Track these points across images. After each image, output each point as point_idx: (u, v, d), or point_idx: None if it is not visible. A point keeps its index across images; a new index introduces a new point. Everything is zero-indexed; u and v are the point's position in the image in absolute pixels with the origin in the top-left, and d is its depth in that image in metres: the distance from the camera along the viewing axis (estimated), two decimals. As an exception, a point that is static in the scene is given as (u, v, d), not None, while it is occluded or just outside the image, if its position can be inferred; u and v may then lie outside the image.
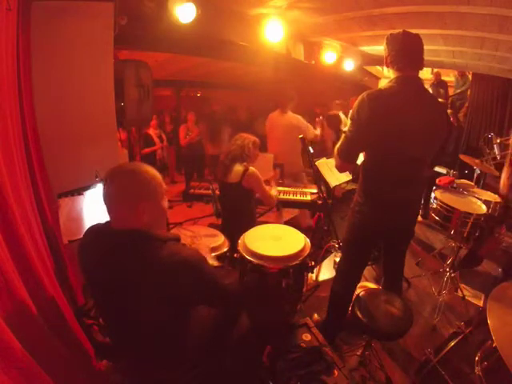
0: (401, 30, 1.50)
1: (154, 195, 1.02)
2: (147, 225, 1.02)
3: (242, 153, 2.18)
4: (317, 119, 3.74)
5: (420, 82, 1.53)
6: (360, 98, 1.49)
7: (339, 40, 3.63)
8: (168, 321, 1.03)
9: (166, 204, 1.08)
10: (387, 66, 1.56)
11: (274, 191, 2.44)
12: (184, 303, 1.04)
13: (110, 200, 1.00)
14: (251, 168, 2.15)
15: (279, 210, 3.54)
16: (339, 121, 3.97)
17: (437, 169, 3.37)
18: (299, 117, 3.49)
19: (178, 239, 1.09)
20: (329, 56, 3.76)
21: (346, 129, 1.59)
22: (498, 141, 3.11)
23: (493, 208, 2.37)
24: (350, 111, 1.55)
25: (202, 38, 2.63)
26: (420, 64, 1.51)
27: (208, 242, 1.73)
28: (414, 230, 1.85)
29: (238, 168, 2.14)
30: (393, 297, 1.63)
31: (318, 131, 3.65)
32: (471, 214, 2.22)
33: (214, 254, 1.60)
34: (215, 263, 1.32)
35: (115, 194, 0.99)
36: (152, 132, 4.42)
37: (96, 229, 1.09)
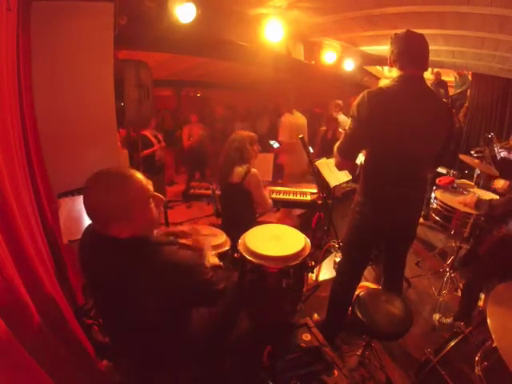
0: (405, 30, 1.50)
1: (140, 201, 0.97)
2: (141, 230, 1.00)
3: (242, 155, 2.15)
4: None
5: (423, 81, 1.53)
6: (360, 95, 1.49)
7: (339, 40, 3.63)
8: (166, 322, 1.03)
9: (153, 205, 1.02)
10: (390, 66, 1.57)
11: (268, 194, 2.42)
12: (180, 305, 1.05)
13: (95, 218, 0.97)
14: (253, 170, 2.15)
15: (279, 210, 3.55)
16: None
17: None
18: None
19: (174, 243, 1.09)
20: (329, 56, 3.76)
21: (346, 127, 1.59)
22: (499, 146, 3.11)
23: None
24: (351, 109, 1.55)
25: (202, 37, 2.63)
26: (423, 63, 1.50)
27: (209, 241, 1.72)
28: (415, 231, 1.84)
29: (240, 169, 2.13)
30: (393, 297, 1.63)
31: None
32: (471, 214, 2.22)
33: (214, 252, 1.58)
34: (216, 261, 1.29)
35: (99, 213, 0.95)
36: (148, 133, 4.42)
37: (94, 229, 1.09)
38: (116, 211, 0.94)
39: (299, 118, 3.71)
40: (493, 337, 1.10)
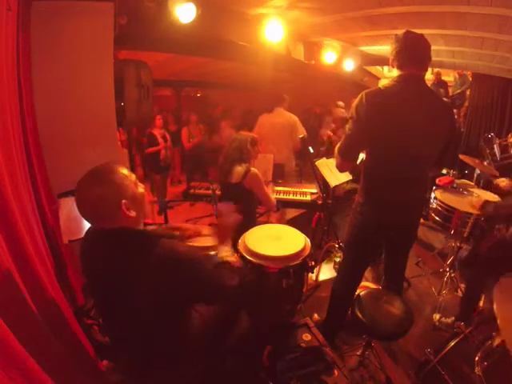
0: (405, 30, 1.50)
1: (128, 189, 1.01)
2: (135, 218, 1.03)
3: (241, 154, 2.15)
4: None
5: (422, 80, 1.53)
6: (359, 96, 1.49)
7: (339, 40, 3.63)
8: (166, 319, 1.03)
9: (141, 190, 1.07)
10: (391, 66, 1.57)
11: (272, 193, 2.43)
12: (180, 301, 1.04)
13: (89, 216, 1.00)
14: (253, 169, 2.14)
15: (279, 210, 3.55)
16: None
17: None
18: (290, 114, 3.53)
19: (172, 236, 1.09)
20: (329, 56, 3.76)
21: (346, 128, 1.59)
22: (498, 142, 3.11)
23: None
24: (350, 110, 1.55)
25: (202, 37, 2.63)
26: (423, 63, 1.50)
27: (209, 241, 1.72)
28: (416, 232, 1.83)
29: (239, 169, 2.13)
30: (393, 297, 1.63)
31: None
32: (471, 213, 2.22)
33: (213, 253, 1.58)
34: (231, 257, 1.28)
35: (92, 210, 0.98)
36: (156, 132, 4.46)
37: (94, 228, 1.09)
38: (107, 200, 0.97)
39: (278, 120, 3.52)
40: (498, 323, 1.10)
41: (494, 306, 1.21)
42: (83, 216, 0.99)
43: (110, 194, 0.97)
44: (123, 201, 0.98)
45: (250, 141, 2.20)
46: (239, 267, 1.28)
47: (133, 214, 1.01)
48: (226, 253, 1.28)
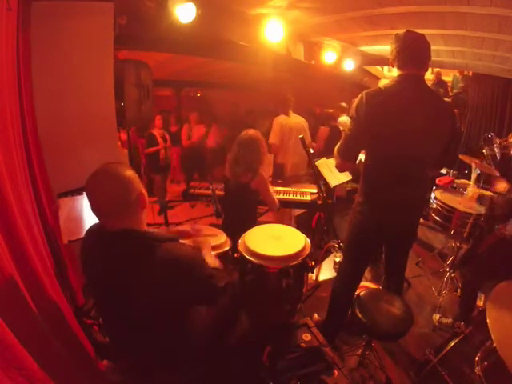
0: (405, 30, 1.50)
1: (137, 190, 1.03)
2: (140, 219, 1.06)
3: (258, 157, 2.13)
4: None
5: (423, 80, 1.53)
6: (359, 96, 1.49)
7: (339, 40, 3.63)
8: (166, 320, 1.03)
9: (145, 192, 1.09)
10: (391, 66, 1.57)
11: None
12: (181, 303, 1.05)
13: (99, 211, 1.00)
14: (261, 172, 2.15)
15: (279, 210, 3.55)
16: (333, 118, 4.05)
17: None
18: (302, 118, 3.62)
19: (175, 239, 1.09)
20: (329, 56, 3.76)
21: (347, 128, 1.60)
22: (498, 142, 3.11)
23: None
24: (350, 110, 1.56)
25: (202, 37, 2.63)
26: (423, 63, 1.50)
27: (209, 242, 1.72)
28: (416, 232, 1.83)
29: (250, 170, 2.13)
30: (393, 297, 1.63)
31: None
32: (471, 214, 2.22)
33: (214, 253, 1.59)
34: (216, 263, 1.30)
35: (104, 205, 0.99)
36: (156, 132, 4.48)
37: (95, 228, 1.09)
38: (117, 202, 0.99)
39: (296, 121, 3.59)
40: (492, 336, 1.11)
41: (487, 310, 1.21)
42: (94, 212, 1.00)
43: (122, 191, 0.99)
44: (132, 203, 1.00)
45: (263, 143, 2.18)
46: (223, 270, 1.31)
47: (138, 215, 1.04)
48: (210, 259, 1.29)
